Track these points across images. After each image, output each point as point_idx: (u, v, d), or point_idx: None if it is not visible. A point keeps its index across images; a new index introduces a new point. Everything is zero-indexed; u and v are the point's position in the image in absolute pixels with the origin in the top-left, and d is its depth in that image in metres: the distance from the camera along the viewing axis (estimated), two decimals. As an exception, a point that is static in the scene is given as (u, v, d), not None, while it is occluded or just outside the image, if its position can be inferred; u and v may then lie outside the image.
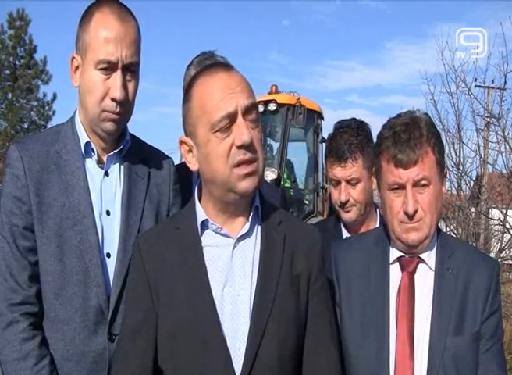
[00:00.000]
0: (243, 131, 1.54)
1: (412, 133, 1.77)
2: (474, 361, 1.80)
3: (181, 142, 1.66)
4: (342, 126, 2.54)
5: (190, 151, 1.64)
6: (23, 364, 1.77)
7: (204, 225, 1.64)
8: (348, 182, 2.47)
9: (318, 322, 1.68)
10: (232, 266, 1.61)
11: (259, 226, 1.67)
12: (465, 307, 1.81)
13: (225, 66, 1.65)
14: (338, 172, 2.48)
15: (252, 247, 1.64)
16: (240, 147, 1.54)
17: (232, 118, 1.55)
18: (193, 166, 1.65)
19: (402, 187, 1.78)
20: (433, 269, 1.85)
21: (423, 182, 1.76)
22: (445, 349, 1.76)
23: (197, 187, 1.72)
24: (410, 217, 1.77)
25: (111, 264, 1.87)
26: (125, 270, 1.84)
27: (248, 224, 1.64)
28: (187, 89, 1.65)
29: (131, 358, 1.63)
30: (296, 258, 1.66)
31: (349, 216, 2.51)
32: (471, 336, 1.80)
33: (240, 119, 1.55)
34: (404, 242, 1.81)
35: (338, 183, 2.51)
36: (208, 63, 2.23)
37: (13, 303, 1.79)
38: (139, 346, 1.62)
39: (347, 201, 2.48)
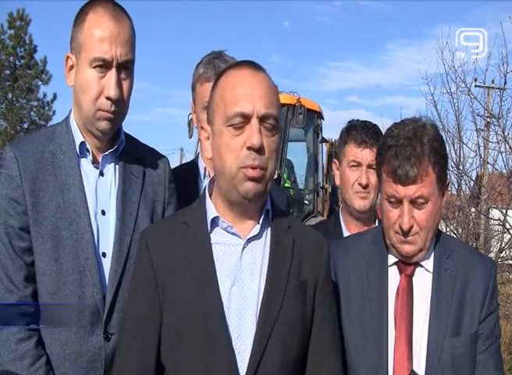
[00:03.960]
0: (254, 134, 1.53)
1: (414, 149, 1.74)
2: (472, 361, 1.81)
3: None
4: None
5: (209, 138, 1.64)
6: (19, 364, 1.76)
7: (214, 222, 1.62)
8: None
9: (323, 329, 1.67)
10: (240, 267, 1.59)
11: (269, 229, 1.65)
12: (463, 308, 1.81)
13: (254, 65, 1.63)
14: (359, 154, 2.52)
15: (261, 249, 1.63)
16: (249, 148, 1.53)
17: (246, 118, 1.54)
18: (208, 153, 1.64)
19: (399, 201, 1.77)
20: (431, 271, 1.85)
21: (420, 200, 1.76)
22: (443, 350, 1.77)
23: (208, 182, 1.71)
24: (405, 233, 1.77)
25: (106, 263, 1.86)
26: (120, 270, 1.85)
27: (258, 226, 1.63)
28: (215, 81, 1.65)
29: (132, 353, 1.60)
30: (304, 264, 1.65)
31: (363, 203, 2.51)
32: (469, 337, 1.80)
33: (254, 121, 1.54)
34: (399, 252, 1.83)
35: (359, 164, 2.53)
36: (218, 62, 2.30)
37: None
38: (141, 341, 1.59)
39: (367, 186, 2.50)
